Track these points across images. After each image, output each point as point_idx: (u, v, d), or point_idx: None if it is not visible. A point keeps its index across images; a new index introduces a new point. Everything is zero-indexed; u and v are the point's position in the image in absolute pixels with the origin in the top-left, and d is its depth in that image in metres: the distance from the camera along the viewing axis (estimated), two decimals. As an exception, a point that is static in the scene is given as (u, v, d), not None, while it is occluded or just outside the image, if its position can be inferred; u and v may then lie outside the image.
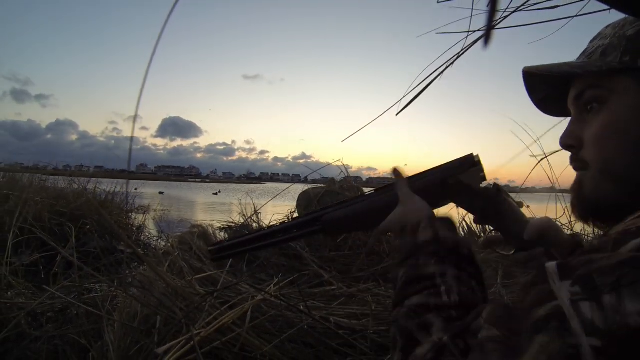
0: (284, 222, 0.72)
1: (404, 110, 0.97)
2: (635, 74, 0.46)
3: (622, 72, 0.46)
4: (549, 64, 0.54)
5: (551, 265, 0.33)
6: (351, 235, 2.21)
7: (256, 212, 2.49)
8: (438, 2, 1.04)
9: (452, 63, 0.94)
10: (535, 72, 0.54)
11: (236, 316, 0.85)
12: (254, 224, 2.37)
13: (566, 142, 0.52)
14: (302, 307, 0.98)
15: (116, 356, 0.87)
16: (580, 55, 0.53)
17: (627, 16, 0.49)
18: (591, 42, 0.53)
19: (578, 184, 0.52)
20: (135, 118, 0.71)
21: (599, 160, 0.48)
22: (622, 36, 0.48)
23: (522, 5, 0.88)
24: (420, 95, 0.94)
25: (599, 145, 0.48)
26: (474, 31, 0.92)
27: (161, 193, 11.27)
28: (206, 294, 0.94)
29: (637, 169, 0.45)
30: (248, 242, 0.70)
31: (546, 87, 0.57)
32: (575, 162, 0.52)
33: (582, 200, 0.51)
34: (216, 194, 15.82)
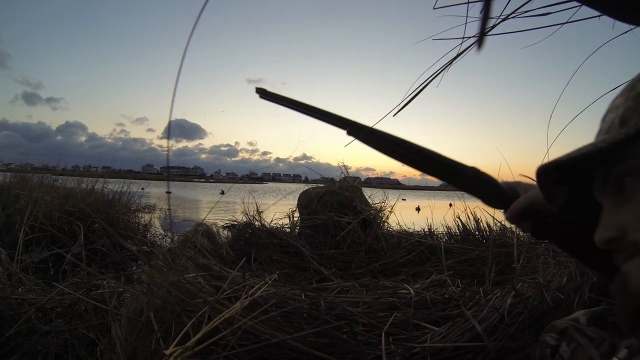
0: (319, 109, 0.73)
1: (403, 114, 0.97)
2: None
3: None
4: (565, 155, 0.43)
5: None
6: (350, 233, 2.21)
7: (259, 212, 2.49)
8: (434, 8, 1.04)
9: (448, 67, 0.95)
10: (552, 165, 0.44)
11: (242, 307, 0.85)
12: (257, 222, 2.37)
13: (607, 237, 0.43)
14: (303, 296, 0.99)
15: (123, 349, 0.87)
16: (596, 137, 0.45)
17: (633, 77, 0.43)
18: (602, 120, 0.46)
19: (622, 280, 0.42)
20: (169, 126, 0.73)
21: None
22: (636, 97, 0.41)
23: (514, 12, 0.88)
24: (420, 98, 0.94)
25: None
26: (468, 37, 0.92)
27: (168, 193, 11.27)
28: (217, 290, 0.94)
29: None
30: (292, 101, 0.72)
31: (565, 188, 0.49)
32: (622, 252, 0.42)
33: (632, 297, 0.41)
34: (223, 193, 15.85)
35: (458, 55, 0.92)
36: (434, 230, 2.59)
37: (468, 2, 0.96)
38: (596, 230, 0.44)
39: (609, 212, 0.44)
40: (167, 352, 0.65)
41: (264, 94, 0.72)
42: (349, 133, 0.71)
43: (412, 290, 1.18)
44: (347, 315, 0.99)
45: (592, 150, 0.40)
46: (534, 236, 0.73)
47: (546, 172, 0.45)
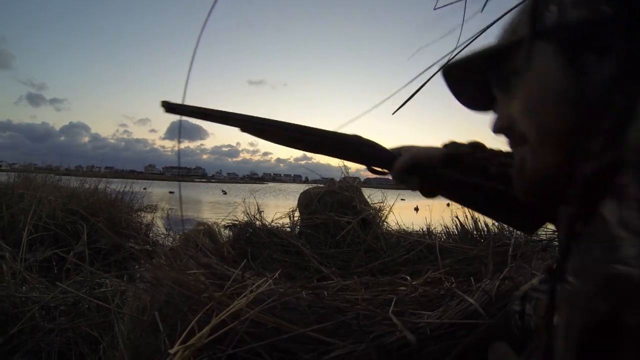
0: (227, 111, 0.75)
1: (401, 113, 0.98)
2: (546, 36, 0.44)
3: (534, 38, 0.44)
4: (462, 56, 0.51)
5: None
6: (350, 232, 2.21)
7: (259, 211, 2.49)
8: (435, 9, 1.04)
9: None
10: (453, 64, 0.52)
11: (247, 302, 0.85)
12: (257, 222, 2.37)
13: (498, 125, 0.51)
14: (305, 294, 1.00)
15: (126, 347, 0.87)
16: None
17: None
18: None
19: (520, 162, 0.49)
20: (179, 128, 0.74)
21: (533, 127, 0.46)
22: (526, 11, 0.46)
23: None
24: (422, 95, 0.95)
25: (529, 114, 0.46)
26: (468, 41, 0.93)
27: (171, 193, 11.28)
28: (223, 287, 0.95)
29: (571, 124, 0.43)
30: (198, 109, 0.74)
31: (470, 84, 0.55)
32: (512, 139, 0.50)
33: (526, 176, 0.49)
34: (225, 193, 15.89)
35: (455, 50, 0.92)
36: (432, 230, 2.60)
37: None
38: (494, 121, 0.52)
39: (501, 106, 0.51)
40: (172, 350, 0.65)
41: (169, 107, 0.73)
42: (241, 129, 0.73)
43: (409, 280, 1.21)
44: (348, 303, 1.01)
45: (483, 51, 0.48)
46: (424, 193, 0.75)
47: (450, 71, 0.54)
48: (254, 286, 0.96)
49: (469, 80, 0.54)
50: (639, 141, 0.33)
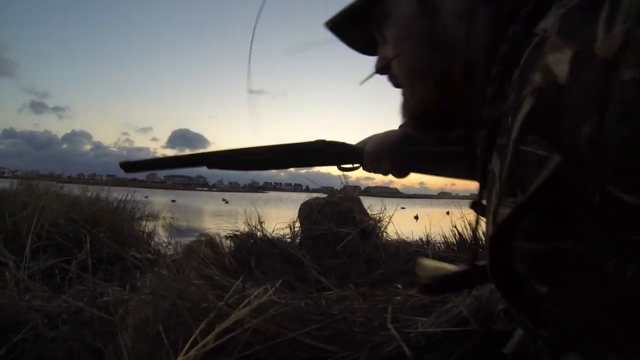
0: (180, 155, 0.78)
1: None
2: None
3: None
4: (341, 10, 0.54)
5: None
6: (350, 243, 2.23)
7: (260, 222, 2.50)
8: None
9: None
10: (335, 17, 0.55)
11: (249, 312, 0.87)
12: (259, 233, 2.39)
13: (377, 67, 0.54)
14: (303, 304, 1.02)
15: (130, 359, 0.89)
16: None
17: None
18: None
19: (403, 101, 0.53)
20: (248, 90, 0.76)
21: (403, 68, 0.49)
22: None
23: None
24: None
25: (398, 54, 0.49)
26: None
27: (173, 201, 11.29)
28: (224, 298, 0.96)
29: (440, 60, 0.46)
30: (154, 161, 0.76)
31: (357, 33, 0.57)
32: (390, 80, 0.54)
33: (410, 113, 0.52)
34: (227, 202, 15.92)
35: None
36: (431, 239, 2.61)
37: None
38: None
39: (379, 48, 0.54)
40: None
41: (128, 167, 0.75)
42: (209, 167, 0.75)
43: (400, 288, 1.23)
44: (346, 312, 1.03)
45: (357, 2, 0.51)
46: (395, 174, 0.77)
47: (335, 23, 0.56)
48: (252, 296, 0.97)
49: (356, 28, 0.56)
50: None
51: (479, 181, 0.46)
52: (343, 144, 0.78)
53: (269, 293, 0.91)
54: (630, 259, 0.26)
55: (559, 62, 0.28)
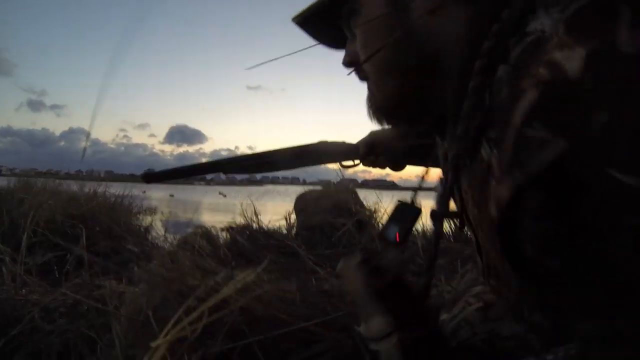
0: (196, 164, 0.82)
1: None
2: None
3: None
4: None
5: None
6: (345, 234, 2.23)
7: (256, 214, 2.51)
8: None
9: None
10: (302, 14, 0.55)
11: (234, 290, 0.87)
12: (254, 224, 2.39)
13: (345, 61, 0.55)
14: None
15: (122, 347, 0.89)
16: None
17: None
18: None
19: (369, 94, 0.54)
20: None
21: (370, 63, 0.50)
22: None
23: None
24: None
25: (365, 48, 0.50)
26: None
27: (171, 196, 11.28)
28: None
29: (409, 56, 0.47)
30: (173, 171, 0.80)
31: (325, 29, 0.58)
32: (358, 73, 0.55)
33: (376, 107, 0.54)
34: (225, 196, 15.95)
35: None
36: (426, 230, 2.61)
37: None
38: None
39: (348, 43, 0.55)
40: (154, 344, 0.67)
41: (149, 178, 0.79)
42: (224, 172, 0.79)
43: None
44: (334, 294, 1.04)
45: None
46: (393, 168, 0.81)
47: (303, 18, 0.56)
48: (240, 275, 0.98)
49: (323, 24, 0.57)
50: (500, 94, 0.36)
51: (447, 173, 0.47)
52: (343, 143, 0.84)
53: (255, 272, 0.91)
54: (625, 242, 0.28)
55: (570, 59, 0.30)
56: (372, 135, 0.83)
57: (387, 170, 0.85)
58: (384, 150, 0.81)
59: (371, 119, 0.55)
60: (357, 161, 0.87)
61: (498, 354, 0.64)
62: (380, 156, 0.83)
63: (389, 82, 0.50)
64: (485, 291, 0.82)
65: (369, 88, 0.54)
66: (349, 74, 0.56)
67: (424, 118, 0.52)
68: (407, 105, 0.51)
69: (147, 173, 0.81)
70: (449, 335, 0.74)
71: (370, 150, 0.82)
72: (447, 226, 2.62)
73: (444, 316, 0.79)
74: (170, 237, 2.69)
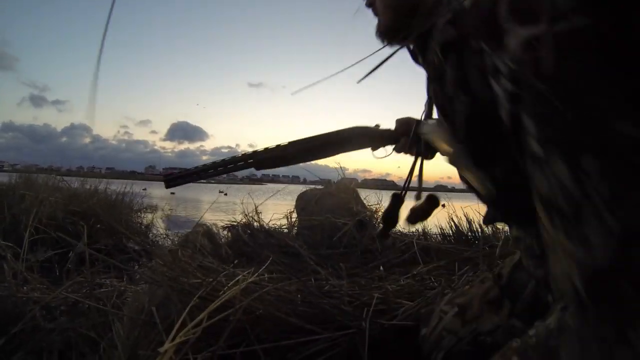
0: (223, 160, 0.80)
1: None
2: None
3: None
4: None
5: None
6: (346, 234, 2.23)
7: (257, 213, 2.50)
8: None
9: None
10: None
11: (239, 290, 0.87)
12: (255, 223, 2.38)
13: (367, 3, 0.73)
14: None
15: (124, 346, 0.89)
16: None
17: None
18: None
19: (377, 23, 0.71)
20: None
21: (381, 4, 0.68)
22: None
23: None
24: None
25: None
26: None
27: (172, 193, 11.26)
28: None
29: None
30: (195, 172, 0.78)
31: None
32: (372, 12, 0.72)
33: (380, 28, 0.70)
34: (226, 194, 15.91)
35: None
36: (427, 231, 2.61)
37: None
38: None
39: None
40: (162, 349, 0.67)
41: (170, 181, 0.77)
42: (257, 168, 0.77)
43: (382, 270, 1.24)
44: (333, 294, 1.04)
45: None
46: (426, 153, 0.81)
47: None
48: (241, 275, 0.97)
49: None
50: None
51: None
52: (376, 129, 0.84)
53: (258, 272, 0.91)
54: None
55: None
56: (405, 120, 0.85)
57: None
58: (418, 128, 0.82)
59: (377, 38, 0.70)
60: (389, 149, 0.87)
61: (486, 350, 0.63)
62: (415, 136, 0.81)
63: (388, 9, 0.67)
64: (456, 295, 0.81)
65: (377, 18, 0.70)
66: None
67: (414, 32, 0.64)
68: (401, 23, 0.65)
69: (168, 178, 0.79)
70: (434, 348, 0.73)
71: (405, 129, 0.83)
72: (448, 228, 2.62)
73: (423, 331, 0.78)
74: (171, 235, 2.69)
